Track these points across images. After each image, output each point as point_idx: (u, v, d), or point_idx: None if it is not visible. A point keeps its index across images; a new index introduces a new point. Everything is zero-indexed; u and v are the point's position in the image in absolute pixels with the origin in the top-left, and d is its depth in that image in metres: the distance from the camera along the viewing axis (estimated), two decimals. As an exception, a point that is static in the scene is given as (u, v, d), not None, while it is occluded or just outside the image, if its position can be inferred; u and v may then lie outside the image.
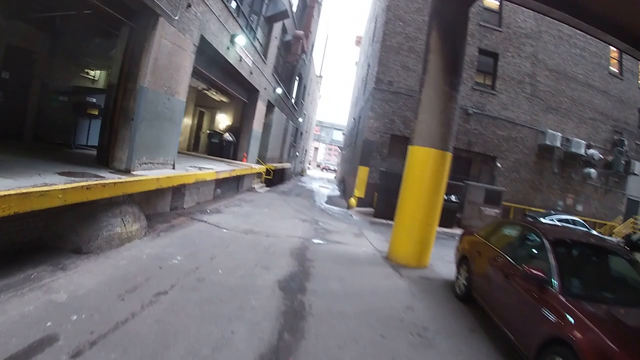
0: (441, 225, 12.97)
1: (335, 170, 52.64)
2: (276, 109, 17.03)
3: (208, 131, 14.48)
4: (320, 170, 56.87)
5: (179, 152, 7.56)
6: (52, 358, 2.36)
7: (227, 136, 13.15)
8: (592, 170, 16.41)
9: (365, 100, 17.76)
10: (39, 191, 3.31)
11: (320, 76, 42.53)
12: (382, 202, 12.35)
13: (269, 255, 5.65)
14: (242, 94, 12.74)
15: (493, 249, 4.77)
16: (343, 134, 51.17)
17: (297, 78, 23.78)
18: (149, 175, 5.62)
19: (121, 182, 4.66)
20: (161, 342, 2.77)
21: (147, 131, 5.89)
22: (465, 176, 15.07)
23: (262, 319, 3.46)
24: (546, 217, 13.73)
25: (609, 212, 17.10)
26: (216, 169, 8.70)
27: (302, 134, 32.43)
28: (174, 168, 6.93)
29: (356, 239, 8.54)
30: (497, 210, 13.25)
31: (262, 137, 15.38)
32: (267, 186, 16.70)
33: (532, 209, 15.32)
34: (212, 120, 15.95)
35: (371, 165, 14.68)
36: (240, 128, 13.78)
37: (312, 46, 26.87)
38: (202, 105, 15.28)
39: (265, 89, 14.04)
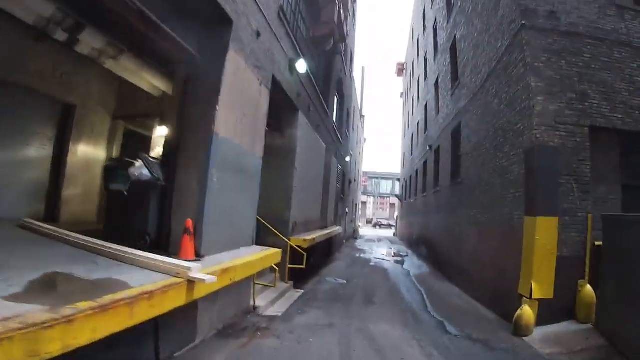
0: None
1: (391, 226, 42.84)
2: (301, 115, 8.03)
3: (107, 163, 5.33)
4: (373, 227, 46.51)
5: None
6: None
7: (139, 168, 4.13)
8: None
9: (496, 62, 7.12)
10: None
11: (363, 115, 33.75)
12: None
13: None
14: (189, 38, 3.96)
15: None
16: (398, 179, 42.22)
17: (337, 93, 15.17)
18: None
19: None
20: None
21: None
22: None
23: None
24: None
25: None
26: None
27: (350, 182, 22.88)
28: None
29: None
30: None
31: (269, 173, 6.25)
32: (294, 287, 7.26)
33: None
34: (147, 144, 6.79)
35: (555, 212, 5.03)
36: (179, 139, 4.65)
37: (352, 53, 18.02)
38: (126, 117, 6.55)
39: (256, 32, 5.25)
